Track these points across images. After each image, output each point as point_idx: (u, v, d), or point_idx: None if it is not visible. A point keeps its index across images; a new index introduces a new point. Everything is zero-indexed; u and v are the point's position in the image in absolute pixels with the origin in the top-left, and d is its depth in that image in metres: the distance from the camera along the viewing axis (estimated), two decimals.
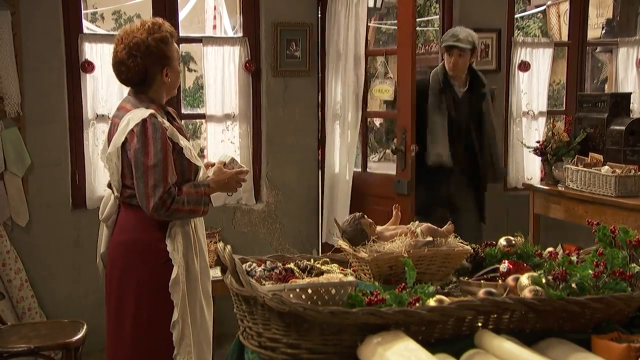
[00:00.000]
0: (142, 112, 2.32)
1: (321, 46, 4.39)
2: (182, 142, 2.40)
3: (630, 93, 4.39)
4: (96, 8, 11.86)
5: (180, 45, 4.34)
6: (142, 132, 2.28)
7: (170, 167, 2.31)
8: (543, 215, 4.38)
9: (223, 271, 1.67)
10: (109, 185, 2.47)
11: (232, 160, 2.54)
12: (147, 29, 2.39)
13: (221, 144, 4.30)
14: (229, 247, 1.59)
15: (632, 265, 1.65)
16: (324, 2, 4.34)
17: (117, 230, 2.46)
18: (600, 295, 1.55)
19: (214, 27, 6.30)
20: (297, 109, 4.38)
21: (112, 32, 10.14)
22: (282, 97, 4.35)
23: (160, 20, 2.50)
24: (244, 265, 1.72)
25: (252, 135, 4.36)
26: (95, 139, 4.00)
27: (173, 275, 2.34)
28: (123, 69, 2.41)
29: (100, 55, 3.97)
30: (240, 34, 4.35)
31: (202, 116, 4.33)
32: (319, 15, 4.38)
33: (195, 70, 13.32)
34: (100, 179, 4.00)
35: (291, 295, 1.48)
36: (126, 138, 2.30)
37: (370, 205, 4.02)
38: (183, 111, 4.43)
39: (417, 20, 10.25)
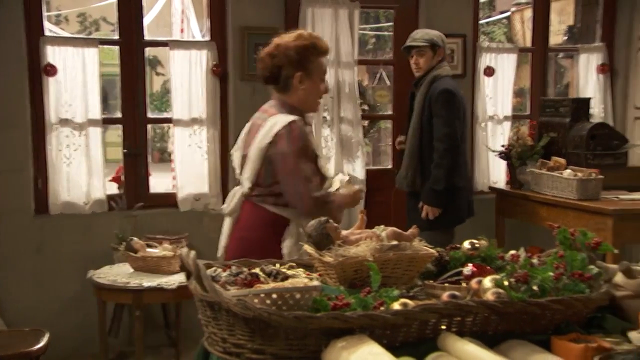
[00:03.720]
0: (288, 117, 2.44)
1: None
2: (318, 152, 2.56)
3: (590, 98, 4.48)
4: (60, 10, 11.67)
5: (147, 49, 4.35)
6: (290, 135, 2.40)
7: (314, 170, 2.47)
8: (508, 218, 4.45)
9: (188, 276, 1.65)
10: (238, 181, 2.59)
11: (349, 180, 2.63)
12: (296, 36, 2.56)
13: (188, 148, 4.27)
14: (193, 252, 1.58)
15: (591, 266, 1.68)
16: (291, 7, 4.34)
17: (238, 226, 2.55)
18: (560, 296, 1.57)
19: (182, 30, 6.25)
20: None
21: (76, 35, 9.96)
22: (250, 102, 4.32)
23: (316, 35, 2.67)
24: (208, 271, 1.70)
25: (220, 140, 4.33)
26: (59, 143, 3.94)
27: None
28: (260, 66, 2.57)
29: (63, 58, 3.91)
30: (207, 38, 4.33)
31: (169, 120, 4.30)
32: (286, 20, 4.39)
33: (163, 74, 13.22)
34: (64, 183, 3.95)
35: (256, 301, 1.47)
36: (272, 140, 2.40)
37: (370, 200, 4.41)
38: (150, 115, 4.38)
39: (378, 25, 10.33)
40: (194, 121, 4.25)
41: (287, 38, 2.54)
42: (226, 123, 4.34)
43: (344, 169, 4.45)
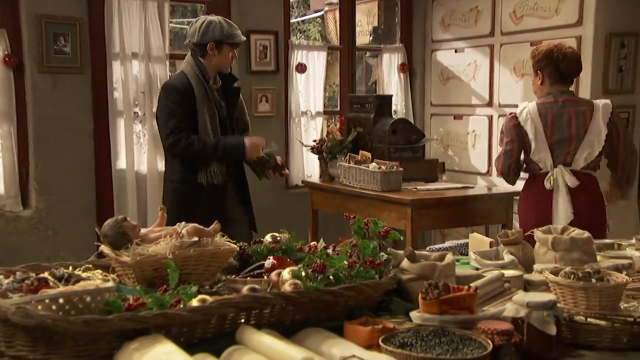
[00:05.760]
0: (606, 99, 3.27)
1: (91, 42, 4.16)
2: None
3: (392, 95, 4.79)
4: None
5: None
6: (615, 112, 3.18)
7: None
8: (322, 211, 4.61)
9: None
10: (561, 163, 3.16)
11: None
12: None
13: None
14: None
15: (381, 254, 1.80)
16: None
17: (582, 194, 3.12)
18: (352, 284, 1.66)
19: None
20: (70, 107, 4.10)
21: None
22: (50, 95, 4.04)
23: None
24: None
25: (17, 137, 4.00)
26: None
27: None
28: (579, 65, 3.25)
29: None
30: None
31: None
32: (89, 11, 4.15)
33: None
34: None
35: (40, 307, 1.38)
36: (610, 118, 3.14)
37: None
38: None
39: (180, 20, 10.25)
40: None
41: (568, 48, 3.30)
42: (24, 118, 4.02)
43: (158, 167, 4.30)
